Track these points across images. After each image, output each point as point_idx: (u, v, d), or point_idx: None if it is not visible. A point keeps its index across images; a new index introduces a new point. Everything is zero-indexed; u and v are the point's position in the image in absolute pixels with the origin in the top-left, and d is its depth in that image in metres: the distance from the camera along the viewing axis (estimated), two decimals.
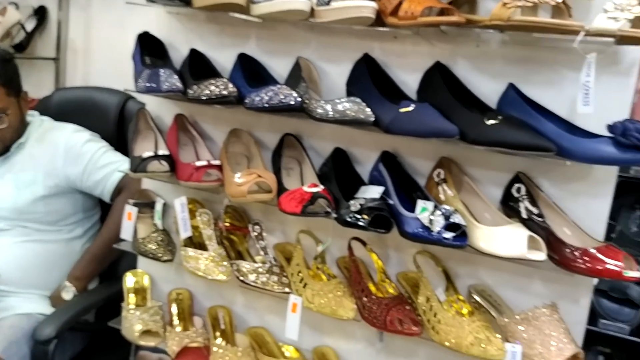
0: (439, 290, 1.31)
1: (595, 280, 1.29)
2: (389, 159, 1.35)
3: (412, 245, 1.34)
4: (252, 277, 1.39)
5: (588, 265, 1.11)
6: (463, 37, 1.29)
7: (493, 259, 1.20)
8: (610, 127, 1.11)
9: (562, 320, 1.18)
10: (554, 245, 1.15)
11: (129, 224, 1.57)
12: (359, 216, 1.21)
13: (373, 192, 1.27)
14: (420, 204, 1.22)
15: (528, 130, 1.13)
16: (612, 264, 1.08)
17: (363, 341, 1.46)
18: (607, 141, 1.09)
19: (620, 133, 1.08)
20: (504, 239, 1.15)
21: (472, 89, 1.27)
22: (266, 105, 1.29)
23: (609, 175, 1.21)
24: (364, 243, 1.38)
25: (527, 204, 1.21)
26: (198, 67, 1.50)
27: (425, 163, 1.35)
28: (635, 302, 1.34)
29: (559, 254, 1.14)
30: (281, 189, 1.35)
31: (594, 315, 1.39)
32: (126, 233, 1.58)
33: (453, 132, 1.15)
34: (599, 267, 1.09)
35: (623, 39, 1.07)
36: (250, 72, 1.46)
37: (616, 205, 1.46)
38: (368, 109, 1.23)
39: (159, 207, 1.55)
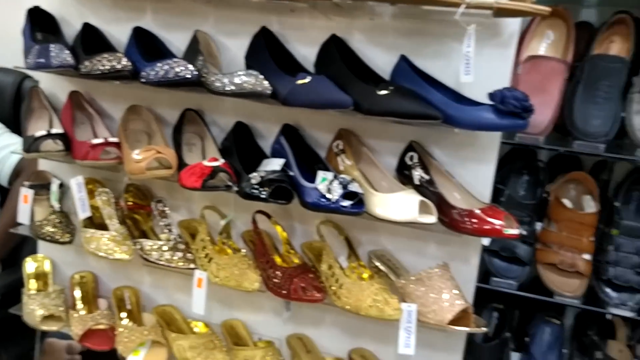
0: (342, 257, 1.35)
1: (485, 241, 1.37)
2: (290, 132, 1.37)
3: (316, 216, 1.37)
4: (155, 255, 1.38)
5: (475, 225, 1.18)
6: (358, 10, 1.31)
7: (392, 225, 1.25)
8: (491, 95, 1.17)
9: (453, 278, 1.25)
10: (444, 208, 1.22)
11: (26, 207, 1.50)
12: (259, 188, 1.23)
13: (274, 164, 1.28)
14: (320, 174, 1.24)
15: (417, 99, 1.18)
16: (494, 224, 1.16)
17: (271, 312, 1.48)
18: (488, 109, 1.16)
19: (499, 101, 1.15)
20: (398, 204, 1.20)
21: (367, 61, 1.31)
22: (162, 79, 1.27)
23: (493, 142, 1.28)
24: (268, 216, 1.40)
25: (419, 171, 1.27)
26: (92, 42, 1.44)
27: (325, 135, 1.37)
28: (523, 260, 1.44)
29: (449, 217, 1.21)
30: (182, 165, 1.33)
31: (489, 275, 1.48)
32: (23, 217, 1.52)
33: (347, 102, 1.18)
34: (483, 227, 1.16)
35: (500, 11, 1.13)
36: (147, 46, 1.43)
37: (506, 171, 1.56)
38: (266, 82, 1.23)
39: (54, 188, 1.50)
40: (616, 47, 1.42)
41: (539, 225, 1.48)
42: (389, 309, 1.21)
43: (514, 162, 1.56)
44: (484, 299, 1.61)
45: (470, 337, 1.54)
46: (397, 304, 1.22)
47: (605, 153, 1.35)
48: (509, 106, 1.14)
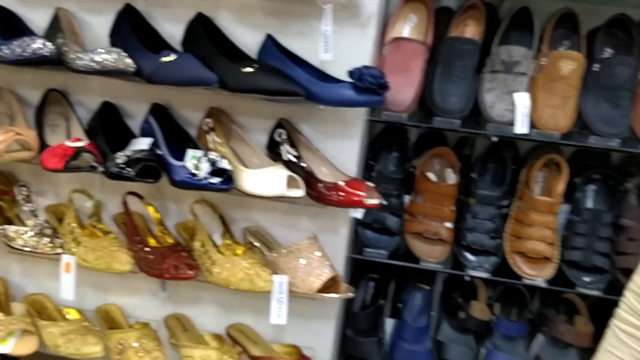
0: (216, 235, 1.37)
1: (358, 214, 1.44)
2: (159, 111, 1.36)
3: (189, 195, 1.38)
4: (20, 242, 1.33)
5: (339, 197, 1.24)
6: None
7: (265, 201, 1.29)
8: (350, 73, 1.23)
9: (322, 249, 1.31)
10: (311, 182, 1.27)
11: None
12: (125, 168, 1.21)
13: (141, 144, 1.27)
14: (190, 152, 1.25)
15: (281, 77, 1.22)
16: (356, 195, 1.22)
17: (147, 294, 1.47)
18: (347, 86, 1.22)
19: (357, 78, 1.22)
20: (266, 180, 1.24)
21: (235, 40, 1.33)
22: (19, 57, 1.21)
23: (357, 118, 1.35)
24: (140, 197, 1.38)
25: (287, 147, 1.31)
26: None
27: (196, 114, 1.38)
28: (392, 231, 1.52)
29: (316, 190, 1.26)
30: (45, 147, 1.29)
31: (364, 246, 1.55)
32: None
33: (212, 80, 1.19)
34: (346, 198, 1.23)
35: None
36: (7, 25, 1.36)
37: (378, 148, 1.64)
38: (128, 59, 1.22)
39: None
40: (470, 30, 1.53)
41: (407, 198, 1.57)
42: (260, 281, 1.25)
43: (384, 140, 1.65)
44: (361, 269, 1.69)
45: (348, 306, 1.62)
46: (268, 277, 1.26)
47: (461, 128, 1.46)
48: (366, 83, 1.21)
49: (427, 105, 1.49)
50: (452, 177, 1.56)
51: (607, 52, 1.45)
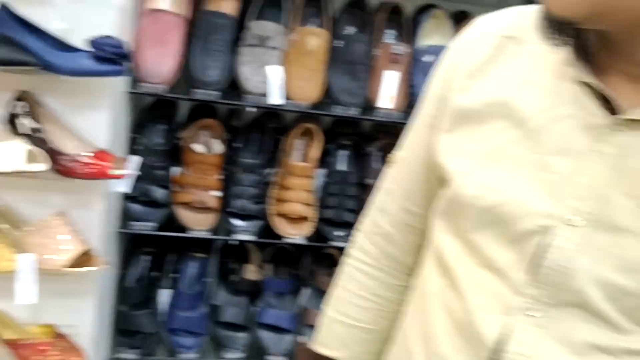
0: None
1: (122, 187, 1.43)
2: None
3: None
4: None
5: (85, 170, 1.23)
6: None
7: (11, 178, 1.23)
8: (91, 43, 1.22)
9: (70, 224, 1.28)
10: (56, 156, 1.23)
11: None
12: None
13: None
14: None
15: (9, 46, 1.16)
16: (101, 166, 1.22)
17: None
18: (87, 55, 1.20)
19: (97, 47, 1.20)
20: (1, 155, 1.17)
21: None
22: None
23: (107, 89, 1.33)
24: None
25: (28, 120, 1.25)
26: None
27: None
28: (160, 203, 1.54)
29: (61, 164, 1.23)
30: None
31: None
32: None
33: None
34: (91, 170, 1.22)
35: None
36: None
37: (144, 120, 1.64)
38: None
39: None
40: (227, 5, 1.58)
41: (176, 170, 1.60)
42: (2, 261, 1.19)
43: (151, 112, 1.65)
44: (137, 244, 1.69)
45: (121, 281, 1.61)
46: (10, 256, 1.20)
47: (221, 100, 1.52)
48: (106, 52, 1.20)
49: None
50: (217, 148, 1.62)
51: (348, 30, 1.62)
